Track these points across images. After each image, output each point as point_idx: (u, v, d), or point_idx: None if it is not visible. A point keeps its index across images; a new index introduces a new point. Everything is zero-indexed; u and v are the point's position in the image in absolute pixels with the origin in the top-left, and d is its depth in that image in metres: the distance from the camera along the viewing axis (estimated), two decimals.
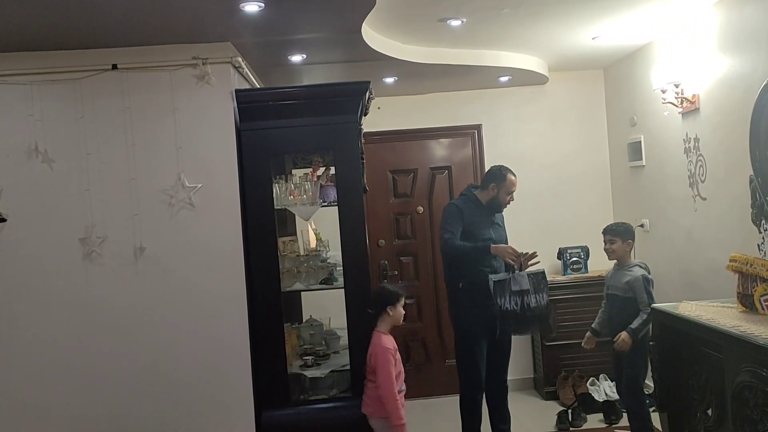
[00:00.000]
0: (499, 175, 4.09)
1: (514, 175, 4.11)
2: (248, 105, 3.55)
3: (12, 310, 3.45)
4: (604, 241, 4.08)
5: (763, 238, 3.32)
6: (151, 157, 3.49)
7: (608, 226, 4.14)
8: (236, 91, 3.55)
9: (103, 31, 3.23)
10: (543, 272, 3.93)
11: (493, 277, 3.91)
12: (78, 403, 3.47)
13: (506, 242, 4.21)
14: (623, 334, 3.82)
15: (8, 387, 3.45)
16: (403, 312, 3.50)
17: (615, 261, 4.08)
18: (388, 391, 3.28)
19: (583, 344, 4.12)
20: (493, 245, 3.96)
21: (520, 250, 3.92)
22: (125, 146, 3.47)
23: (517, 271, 3.87)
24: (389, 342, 3.37)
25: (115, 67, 3.45)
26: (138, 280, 3.49)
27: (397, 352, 3.40)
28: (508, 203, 4.13)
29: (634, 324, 3.80)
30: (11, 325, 3.46)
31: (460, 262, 4.02)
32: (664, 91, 4.29)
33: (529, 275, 3.86)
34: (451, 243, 3.98)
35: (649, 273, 3.95)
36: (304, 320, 4.31)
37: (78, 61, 3.42)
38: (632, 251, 4.06)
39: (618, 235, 4.02)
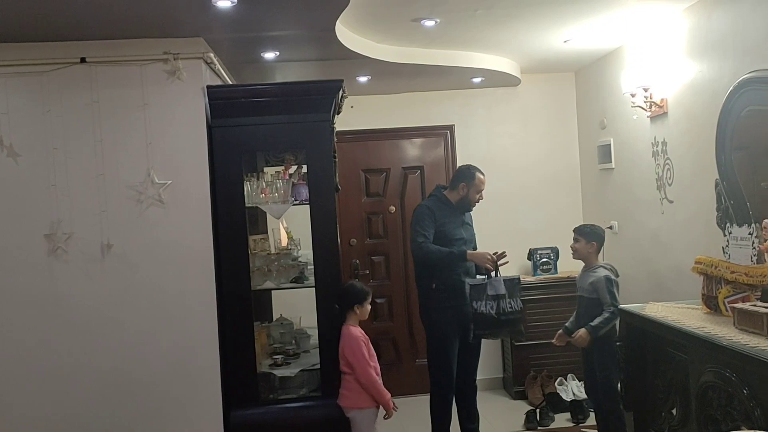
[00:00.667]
0: (468, 174, 4.11)
1: (483, 174, 4.14)
2: (220, 101, 3.52)
3: None
4: (573, 239, 4.13)
5: (727, 241, 3.38)
6: (119, 152, 3.44)
7: (579, 225, 4.19)
8: (208, 87, 3.51)
9: (72, 24, 3.17)
10: (518, 278, 4.02)
11: (469, 281, 3.96)
12: (41, 402, 3.41)
13: (475, 241, 4.24)
14: (581, 331, 3.88)
15: None
16: (369, 309, 3.54)
17: (583, 263, 4.10)
18: (366, 375, 3.35)
19: (554, 341, 4.15)
20: (469, 252, 3.98)
21: (491, 252, 3.96)
22: (93, 141, 3.41)
23: (494, 276, 3.92)
24: (358, 332, 3.44)
25: (83, 60, 3.39)
26: (105, 278, 3.44)
27: (369, 342, 3.47)
28: (478, 202, 4.16)
29: (594, 322, 3.84)
30: None
31: (433, 264, 4.03)
32: (633, 95, 4.35)
33: (505, 280, 3.91)
34: (425, 248, 3.98)
35: (615, 275, 3.97)
36: (274, 319, 4.29)
37: (46, 53, 3.36)
38: (599, 253, 4.07)
39: (582, 235, 4.05)
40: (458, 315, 4.00)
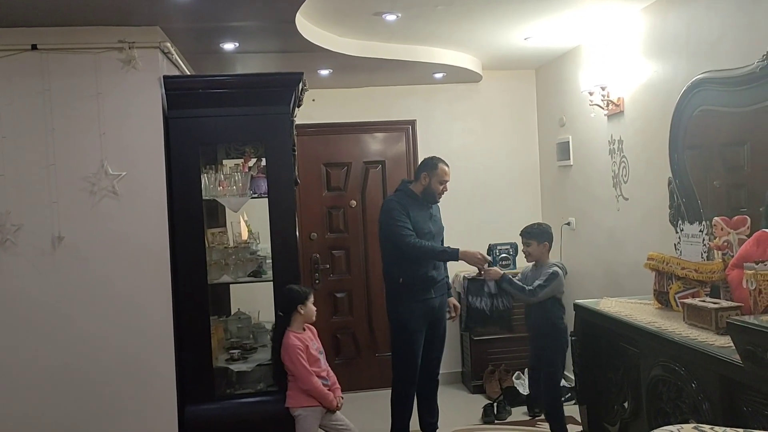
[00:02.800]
0: (431, 164, 4.09)
1: (447, 165, 4.12)
2: (177, 92, 3.46)
3: None
4: (522, 243, 4.08)
5: (679, 237, 3.46)
6: (72, 142, 3.35)
7: (524, 228, 4.09)
8: (165, 77, 3.45)
9: (22, 9, 3.07)
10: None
11: (467, 275, 4.08)
12: None
13: (443, 234, 4.25)
14: (496, 268, 4.06)
15: None
16: (314, 309, 3.52)
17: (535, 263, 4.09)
18: (307, 383, 3.37)
19: (487, 276, 4.04)
20: (461, 250, 3.95)
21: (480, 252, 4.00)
22: (44, 130, 3.32)
23: (486, 275, 4.00)
24: (297, 339, 3.41)
25: (34, 47, 3.30)
26: (55, 271, 3.36)
27: (311, 348, 3.45)
28: (442, 193, 4.12)
29: (514, 283, 3.95)
30: None
31: (402, 258, 3.99)
32: (591, 94, 4.41)
33: (495, 281, 4.01)
34: (420, 245, 3.94)
35: (564, 273, 3.99)
36: (232, 313, 4.24)
37: None
38: (549, 252, 4.07)
39: (533, 237, 4.02)
40: (425, 309, 4.03)
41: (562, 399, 4.12)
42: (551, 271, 3.92)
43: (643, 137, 4.05)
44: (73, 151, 3.35)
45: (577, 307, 3.61)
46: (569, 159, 5.13)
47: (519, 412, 4.87)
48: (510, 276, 4.02)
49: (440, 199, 4.15)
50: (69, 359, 3.37)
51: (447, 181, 4.11)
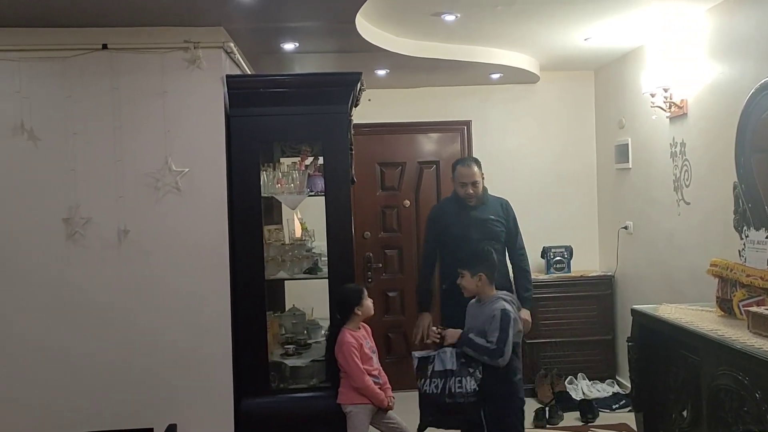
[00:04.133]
0: (454, 167, 3.99)
1: (467, 166, 3.91)
2: (239, 91, 3.53)
3: None
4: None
5: (744, 244, 3.36)
6: (138, 139, 3.46)
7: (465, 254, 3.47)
8: (227, 76, 3.53)
9: (94, 10, 3.20)
10: (432, 358, 3.23)
11: (416, 354, 3.29)
12: (52, 388, 3.44)
13: (501, 239, 3.92)
14: (456, 331, 3.24)
15: None
16: (371, 304, 3.50)
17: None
18: (359, 381, 3.38)
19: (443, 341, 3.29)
20: (422, 313, 3.91)
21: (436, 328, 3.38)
22: (112, 127, 3.44)
23: (441, 348, 3.24)
24: (352, 337, 3.42)
25: (105, 47, 3.42)
26: (120, 264, 3.47)
27: (365, 346, 3.45)
28: (468, 196, 3.88)
29: (477, 340, 3.18)
30: None
31: (443, 265, 3.98)
32: (653, 95, 4.32)
33: (457, 352, 3.18)
34: (421, 265, 4.08)
35: (517, 307, 3.33)
36: (286, 309, 4.31)
37: (68, 39, 3.39)
38: (492, 283, 3.32)
39: (466, 267, 3.31)
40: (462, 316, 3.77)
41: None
42: (500, 311, 3.15)
43: (707, 140, 3.95)
44: (139, 147, 3.46)
45: (635, 312, 3.54)
46: (628, 162, 5.03)
47: (571, 417, 4.80)
48: (470, 336, 3.20)
49: (472, 202, 3.91)
50: (130, 349, 3.48)
51: (467, 183, 3.89)
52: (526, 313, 3.91)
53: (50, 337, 3.44)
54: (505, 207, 4.02)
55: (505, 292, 3.42)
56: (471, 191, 3.90)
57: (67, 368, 3.45)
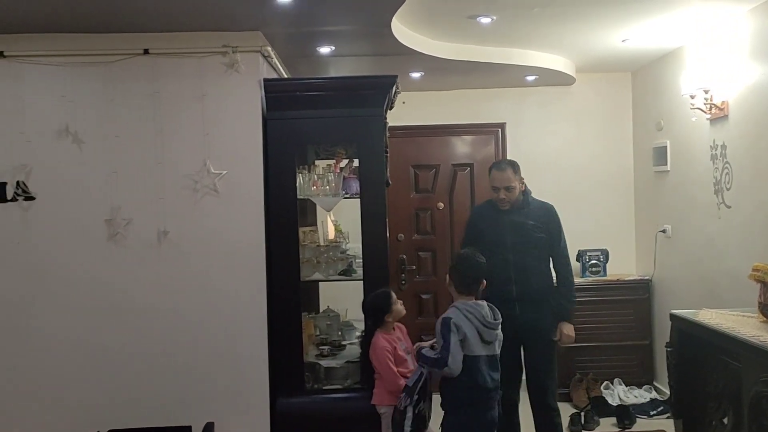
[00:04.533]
0: (490, 170, 3.85)
1: (500, 171, 3.76)
2: (276, 94, 3.58)
3: (34, 287, 3.51)
4: None
5: None
6: (177, 142, 3.53)
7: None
8: (264, 80, 3.57)
9: (136, 16, 3.27)
10: (420, 375, 3.12)
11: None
12: (92, 384, 3.52)
13: (535, 245, 3.75)
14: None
15: (23, 366, 3.50)
16: (401, 307, 3.45)
17: None
18: (393, 384, 3.35)
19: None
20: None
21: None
22: (153, 130, 3.51)
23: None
24: (385, 341, 3.41)
25: (146, 51, 3.49)
26: (160, 264, 3.54)
27: (399, 349, 3.42)
28: (502, 200, 3.76)
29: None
30: (32, 301, 3.52)
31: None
32: (692, 97, 4.25)
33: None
34: None
35: (464, 316, 3.05)
36: (321, 310, 4.34)
37: (111, 44, 3.47)
38: (458, 289, 3.17)
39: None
40: (504, 326, 3.40)
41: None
42: (441, 318, 3.05)
43: (749, 142, 3.87)
44: (179, 150, 3.52)
45: (674, 317, 3.49)
46: (666, 164, 4.96)
47: (608, 423, 4.75)
48: (421, 350, 3.13)
49: (504, 206, 3.77)
50: (168, 349, 3.54)
51: (499, 188, 3.74)
52: (566, 327, 3.80)
53: (90, 335, 3.52)
54: (547, 212, 3.85)
55: (469, 301, 3.08)
56: (503, 196, 3.76)
57: (107, 366, 3.53)
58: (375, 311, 3.44)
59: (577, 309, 5.01)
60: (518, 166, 3.85)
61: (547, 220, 3.83)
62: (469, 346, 3.01)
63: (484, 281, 3.18)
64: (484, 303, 3.12)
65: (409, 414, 3.06)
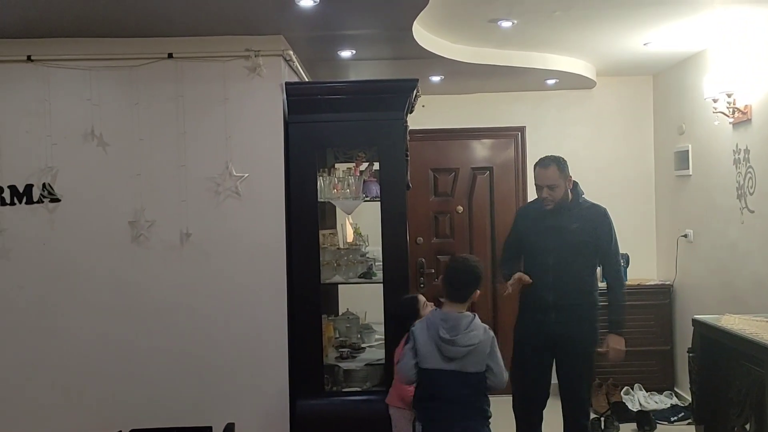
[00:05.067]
0: (535, 168, 3.60)
1: (544, 167, 3.52)
2: (298, 98, 3.60)
3: (59, 288, 3.57)
4: None
5: None
6: (200, 144, 3.57)
7: None
8: (286, 83, 3.60)
9: (160, 21, 3.31)
10: None
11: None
12: (115, 384, 3.56)
13: (578, 250, 3.50)
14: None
15: (47, 365, 3.56)
16: (428, 305, 3.37)
17: None
18: (403, 389, 3.27)
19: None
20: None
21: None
22: (177, 133, 3.55)
23: None
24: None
25: (170, 56, 3.53)
26: (182, 266, 3.57)
27: None
28: (547, 199, 3.52)
29: None
30: (57, 301, 3.57)
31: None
32: (715, 101, 4.22)
33: None
34: (498, 265, 3.80)
35: (418, 326, 2.88)
36: (340, 313, 4.36)
37: (136, 48, 3.52)
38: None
39: None
40: (539, 330, 3.54)
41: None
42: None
43: None
44: (202, 153, 3.56)
45: (696, 322, 3.47)
46: (688, 168, 4.92)
47: (628, 429, 4.71)
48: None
49: (548, 206, 3.54)
50: (190, 348, 3.58)
51: (542, 186, 3.52)
52: (614, 340, 3.56)
53: (113, 335, 3.56)
54: (597, 215, 3.58)
55: (450, 310, 2.83)
56: (546, 195, 3.50)
57: (129, 366, 3.57)
58: (404, 318, 3.34)
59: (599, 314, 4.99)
60: (565, 163, 3.56)
61: (596, 224, 3.55)
62: (422, 358, 2.79)
63: (477, 291, 2.88)
64: (459, 315, 2.79)
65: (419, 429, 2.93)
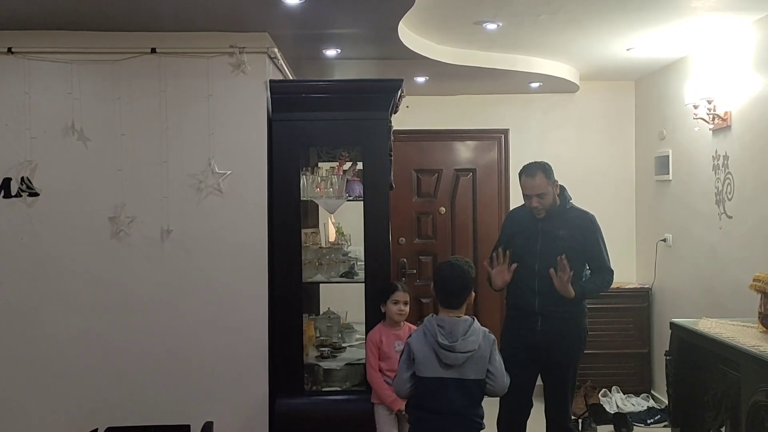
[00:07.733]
0: (520, 176, 3.50)
1: (530, 177, 3.42)
2: (282, 96, 3.59)
3: (37, 283, 3.53)
4: None
5: None
6: (183, 141, 3.54)
7: None
8: (270, 81, 3.58)
9: (144, 15, 3.28)
10: None
11: None
12: (93, 381, 3.53)
13: (556, 257, 3.33)
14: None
15: (25, 361, 3.51)
16: (394, 309, 3.39)
17: None
18: (369, 374, 3.41)
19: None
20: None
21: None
22: (159, 129, 3.52)
23: None
24: (376, 332, 3.45)
25: (153, 50, 3.50)
26: (163, 263, 3.55)
27: (385, 344, 3.40)
28: (535, 208, 3.43)
29: None
30: (35, 297, 3.53)
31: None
32: (696, 107, 4.27)
33: None
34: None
35: (415, 335, 2.82)
36: (321, 312, 4.35)
37: (118, 43, 3.48)
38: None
39: None
40: (524, 335, 3.48)
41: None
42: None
43: (752, 153, 3.89)
44: (184, 149, 3.53)
45: (674, 326, 3.50)
46: (668, 173, 4.97)
47: (605, 431, 4.75)
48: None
49: (540, 215, 3.44)
50: (171, 345, 3.55)
51: (530, 195, 3.42)
52: (566, 286, 3.34)
53: (92, 331, 3.53)
54: (584, 221, 3.50)
55: (446, 316, 2.76)
56: (536, 204, 3.41)
57: (107, 363, 3.54)
58: (379, 296, 3.46)
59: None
60: (551, 169, 3.46)
61: (584, 231, 3.48)
62: (420, 366, 2.71)
63: (472, 294, 2.82)
64: (457, 320, 2.73)
65: None
